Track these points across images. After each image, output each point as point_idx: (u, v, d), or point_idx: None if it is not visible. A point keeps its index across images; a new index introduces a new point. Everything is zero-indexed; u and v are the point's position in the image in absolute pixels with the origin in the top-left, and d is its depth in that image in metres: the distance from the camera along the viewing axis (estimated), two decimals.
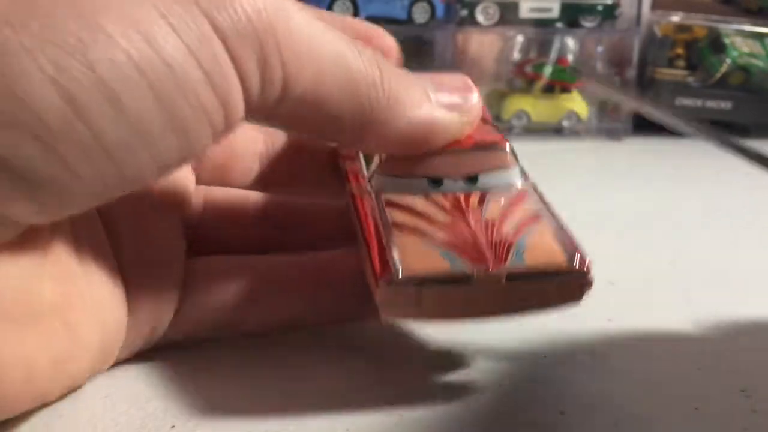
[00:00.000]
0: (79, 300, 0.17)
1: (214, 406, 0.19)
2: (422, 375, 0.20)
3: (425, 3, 0.67)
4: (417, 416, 0.18)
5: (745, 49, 0.68)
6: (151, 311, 0.20)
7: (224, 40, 0.14)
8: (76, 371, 0.17)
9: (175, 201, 0.21)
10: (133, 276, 0.19)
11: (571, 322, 0.24)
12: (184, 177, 0.22)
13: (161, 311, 0.20)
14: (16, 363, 0.15)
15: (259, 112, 0.16)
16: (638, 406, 0.19)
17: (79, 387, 0.19)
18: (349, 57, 0.17)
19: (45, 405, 0.18)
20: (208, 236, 0.22)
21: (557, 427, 0.18)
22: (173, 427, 0.18)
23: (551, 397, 0.19)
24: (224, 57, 0.14)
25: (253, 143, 0.24)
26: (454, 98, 0.19)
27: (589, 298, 0.27)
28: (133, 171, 0.14)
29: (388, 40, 0.22)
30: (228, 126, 0.16)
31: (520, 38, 0.72)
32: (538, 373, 0.20)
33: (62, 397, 0.18)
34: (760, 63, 0.68)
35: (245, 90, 0.15)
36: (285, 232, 0.23)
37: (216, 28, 0.14)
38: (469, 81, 0.20)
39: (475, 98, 0.19)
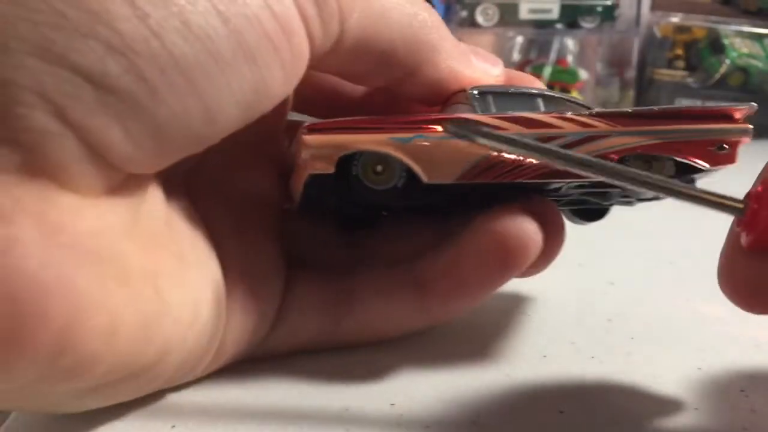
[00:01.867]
0: (170, 271, 0.17)
1: (214, 406, 0.19)
2: (422, 375, 0.20)
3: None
4: (417, 416, 0.18)
5: (745, 50, 0.68)
6: (251, 323, 0.20)
7: None
8: (163, 342, 0.16)
9: (274, 217, 0.21)
10: (235, 288, 0.19)
11: (571, 322, 0.24)
12: (279, 199, 0.22)
13: (260, 323, 0.20)
14: (99, 311, 0.14)
15: (324, 50, 0.17)
16: (638, 406, 0.19)
17: (164, 370, 0.17)
18: None
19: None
20: (305, 250, 0.22)
21: (557, 427, 0.18)
22: (173, 427, 0.18)
23: (551, 397, 0.19)
24: None
25: None
26: (485, 65, 0.22)
27: (589, 298, 0.27)
28: (215, 102, 0.15)
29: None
30: (296, 63, 0.17)
31: (519, 39, 0.72)
32: (538, 373, 0.20)
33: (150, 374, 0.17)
34: (759, 64, 0.68)
35: (305, 21, 0.16)
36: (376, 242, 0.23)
37: None
38: (496, 57, 0.23)
39: (501, 68, 0.22)
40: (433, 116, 0.19)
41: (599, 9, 0.69)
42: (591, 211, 0.23)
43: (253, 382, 0.20)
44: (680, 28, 0.71)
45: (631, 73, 0.70)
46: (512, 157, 0.18)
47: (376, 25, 0.18)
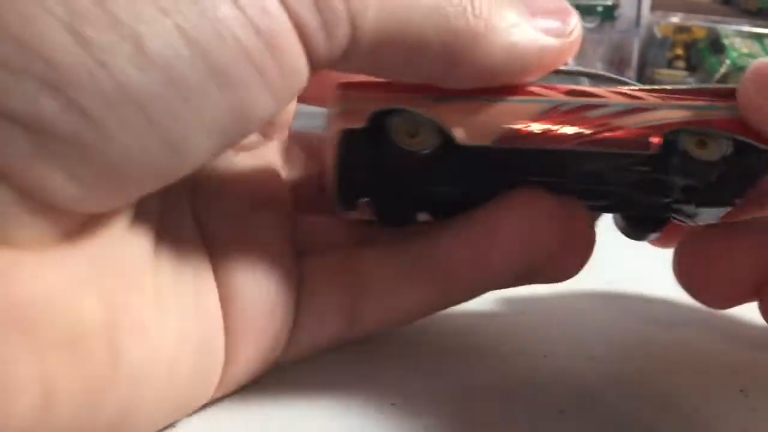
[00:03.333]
0: (138, 321, 0.15)
1: (214, 405, 0.19)
2: (422, 375, 0.20)
3: None
4: (417, 416, 0.18)
5: (745, 50, 0.68)
6: (262, 349, 0.18)
7: None
8: (119, 405, 0.14)
9: (278, 203, 0.19)
10: (241, 316, 0.17)
11: (572, 322, 0.24)
12: (283, 186, 0.20)
13: (273, 346, 0.18)
14: (31, 384, 0.13)
15: (333, 58, 0.15)
16: (638, 406, 0.19)
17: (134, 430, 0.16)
18: None
19: None
20: (316, 239, 0.20)
21: (557, 427, 0.18)
22: (173, 426, 0.18)
23: (551, 397, 0.19)
24: None
25: None
26: (552, 22, 0.17)
27: (589, 298, 0.27)
28: (179, 135, 0.13)
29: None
30: (287, 81, 0.14)
31: None
32: (538, 373, 0.20)
33: None
34: None
35: (301, 32, 0.14)
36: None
37: None
38: (566, 2, 0.18)
39: (575, 21, 0.17)
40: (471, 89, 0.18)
41: (599, 9, 0.69)
42: (645, 221, 0.22)
43: (254, 382, 0.20)
44: (680, 28, 0.71)
45: (631, 73, 0.70)
46: (554, 126, 0.18)
47: (399, 18, 0.15)
